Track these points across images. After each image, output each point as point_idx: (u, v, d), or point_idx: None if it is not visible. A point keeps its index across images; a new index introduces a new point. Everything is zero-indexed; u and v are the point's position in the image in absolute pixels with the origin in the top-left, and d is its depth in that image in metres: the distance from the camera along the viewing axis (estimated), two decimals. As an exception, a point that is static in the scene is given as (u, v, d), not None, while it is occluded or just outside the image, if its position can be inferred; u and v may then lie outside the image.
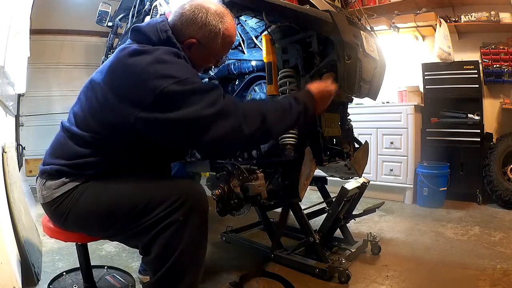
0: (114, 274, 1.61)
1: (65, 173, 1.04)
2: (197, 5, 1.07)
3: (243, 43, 1.99)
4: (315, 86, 1.20)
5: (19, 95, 2.88)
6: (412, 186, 3.10)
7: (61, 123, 1.13)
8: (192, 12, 1.06)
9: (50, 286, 1.49)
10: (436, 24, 3.32)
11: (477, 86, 3.17)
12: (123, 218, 1.00)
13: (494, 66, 3.25)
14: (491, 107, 3.36)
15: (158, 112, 0.90)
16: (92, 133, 1.02)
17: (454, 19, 3.37)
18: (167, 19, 1.09)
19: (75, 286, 1.47)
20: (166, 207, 0.96)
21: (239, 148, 1.05)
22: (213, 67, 1.27)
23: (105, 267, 1.68)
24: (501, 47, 3.23)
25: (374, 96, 1.77)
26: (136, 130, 0.96)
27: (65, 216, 1.05)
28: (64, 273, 1.59)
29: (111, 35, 3.05)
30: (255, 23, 1.81)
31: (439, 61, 3.30)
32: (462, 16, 3.31)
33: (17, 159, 2.36)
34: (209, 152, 1.09)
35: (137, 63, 0.93)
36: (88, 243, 1.20)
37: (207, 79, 2.23)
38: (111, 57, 1.04)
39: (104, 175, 1.04)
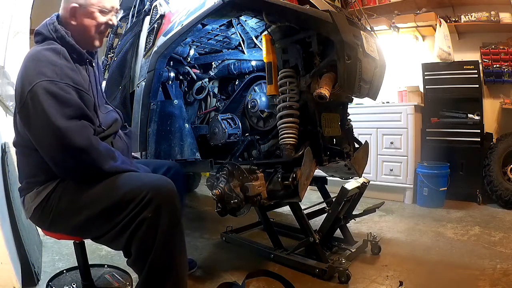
0: (113, 273, 1.61)
1: (35, 183, 1.09)
2: None
3: (243, 43, 1.99)
4: None
5: (19, 95, 2.88)
6: (412, 186, 3.10)
7: None
8: None
9: (50, 283, 1.49)
10: (436, 24, 3.32)
11: (477, 86, 3.17)
12: (98, 220, 1.01)
13: (494, 66, 3.25)
14: (491, 107, 3.36)
15: (25, 110, 0.99)
16: (20, 147, 1.13)
17: (454, 19, 3.37)
18: (58, 14, 1.15)
19: (73, 284, 1.47)
20: (135, 205, 0.96)
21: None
22: (113, 33, 1.33)
23: (105, 265, 1.68)
24: (501, 47, 3.24)
25: (374, 96, 1.77)
26: None
27: (48, 223, 1.09)
28: (64, 271, 1.59)
29: (111, 35, 3.04)
30: (255, 23, 1.81)
31: (439, 61, 3.30)
32: (462, 16, 3.31)
33: (17, 159, 2.36)
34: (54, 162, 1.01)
35: (23, 64, 1.04)
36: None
37: (207, 79, 2.23)
38: None
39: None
